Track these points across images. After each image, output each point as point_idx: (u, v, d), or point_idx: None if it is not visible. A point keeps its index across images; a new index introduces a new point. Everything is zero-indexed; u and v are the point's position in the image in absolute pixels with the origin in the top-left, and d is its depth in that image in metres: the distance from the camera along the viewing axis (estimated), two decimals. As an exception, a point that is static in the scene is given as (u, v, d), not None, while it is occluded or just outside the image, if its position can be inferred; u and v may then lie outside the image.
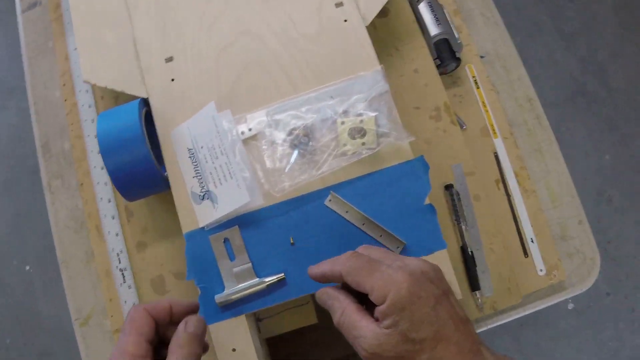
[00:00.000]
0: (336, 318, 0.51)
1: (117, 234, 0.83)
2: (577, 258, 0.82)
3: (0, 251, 2.10)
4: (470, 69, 0.86)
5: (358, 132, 0.65)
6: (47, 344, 2.00)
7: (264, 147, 0.67)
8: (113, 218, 0.84)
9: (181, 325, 0.53)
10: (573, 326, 1.86)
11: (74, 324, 0.84)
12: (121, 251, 0.82)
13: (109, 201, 0.85)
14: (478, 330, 0.78)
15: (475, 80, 0.86)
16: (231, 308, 0.64)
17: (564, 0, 2.15)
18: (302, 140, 0.66)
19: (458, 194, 0.77)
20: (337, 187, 0.66)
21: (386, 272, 0.49)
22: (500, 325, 0.79)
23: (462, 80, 0.86)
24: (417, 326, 0.47)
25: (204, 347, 0.56)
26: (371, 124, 0.65)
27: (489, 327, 0.79)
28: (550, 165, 0.85)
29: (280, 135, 0.67)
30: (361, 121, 0.65)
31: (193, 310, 0.56)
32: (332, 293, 0.53)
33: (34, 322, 2.02)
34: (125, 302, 0.80)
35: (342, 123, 0.66)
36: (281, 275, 0.64)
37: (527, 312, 0.81)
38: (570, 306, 1.86)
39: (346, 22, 0.72)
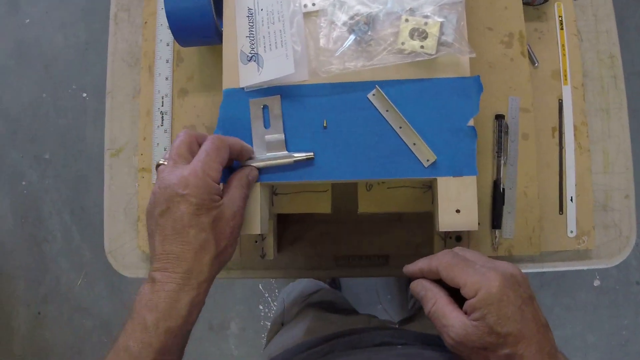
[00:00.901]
0: (428, 307, 0.55)
1: (166, 78, 0.84)
2: (612, 231, 0.80)
3: (64, 74, 2.18)
4: (559, 7, 0.81)
5: (420, 33, 0.63)
6: (84, 168, 2.11)
7: (322, 24, 0.65)
8: (167, 62, 0.85)
9: (246, 170, 0.62)
10: (592, 303, 1.83)
11: (105, 153, 0.86)
12: (166, 95, 0.83)
13: (167, 45, 0.85)
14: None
15: (561, 20, 0.81)
16: None
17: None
18: (362, 27, 0.64)
19: (507, 127, 0.74)
20: (384, 84, 0.64)
21: (479, 270, 0.52)
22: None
23: (547, 16, 0.82)
24: (503, 321, 0.50)
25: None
26: (435, 29, 0.62)
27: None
28: (614, 129, 0.81)
29: (341, 17, 0.65)
30: (425, 23, 0.63)
31: (250, 156, 0.64)
32: (427, 285, 0.57)
33: (78, 146, 2.13)
34: (158, 144, 0.82)
35: (406, 20, 0.63)
36: (310, 154, 0.64)
37: (543, 269, 0.80)
38: (597, 283, 1.83)
39: None
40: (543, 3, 0.80)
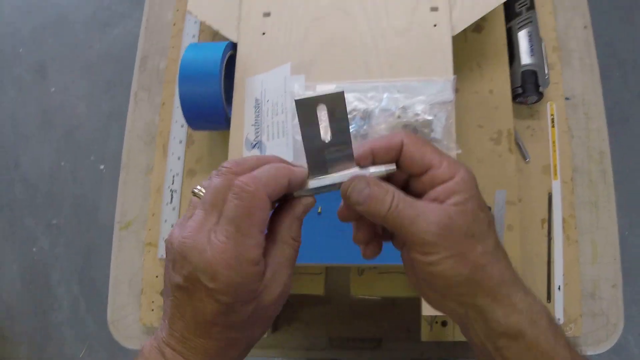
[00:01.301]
0: (385, 204, 0.43)
1: (179, 158, 0.89)
2: (600, 320, 0.81)
3: (83, 144, 2.25)
4: (552, 106, 0.86)
5: (411, 130, 0.68)
6: (97, 239, 2.14)
7: (322, 117, 0.71)
8: (180, 142, 0.90)
9: (298, 208, 0.46)
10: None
11: (115, 226, 0.91)
12: (177, 174, 0.89)
13: (182, 126, 0.91)
14: None
15: (552, 119, 0.86)
16: None
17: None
18: (359, 122, 0.69)
19: (494, 219, 0.77)
20: (377, 175, 0.68)
21: (448, 158, 0.45)
22: None
23: (539, 114, 0.86)
24: (485, 209, 0.44)
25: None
26: (425, 126, 0.68)
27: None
28: (602, 222, 0.83)
29: (340, 112, 0.70)
30: (416, 120, 0.68)
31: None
32: (373, 180, 0.44)
33: (91, 217, 2.16)
34: (166, 221, 0.87)
35: (399, 117, 0.68)
36: (392, 167, 0.46)
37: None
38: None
39: (435, 27, 0.74)
40: (536, 102, 0.85)
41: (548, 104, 0.86)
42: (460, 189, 0.43)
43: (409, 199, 0.43)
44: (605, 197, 0.84)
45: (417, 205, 0.43)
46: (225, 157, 0.73)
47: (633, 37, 2.07)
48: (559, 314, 0.79)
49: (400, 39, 0.74)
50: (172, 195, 0.88)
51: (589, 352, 0.80)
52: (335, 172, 0.46)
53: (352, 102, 0.70)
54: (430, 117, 0.68)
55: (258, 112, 0.73)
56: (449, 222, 0.42)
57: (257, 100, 0.73)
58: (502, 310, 0.44)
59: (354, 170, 0.46)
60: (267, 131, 0.71)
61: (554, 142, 0.85)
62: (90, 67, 2.36)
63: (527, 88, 0.82)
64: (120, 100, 2.20)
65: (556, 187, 0.83)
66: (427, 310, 0.65)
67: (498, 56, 0.83)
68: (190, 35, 0.96)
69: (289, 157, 0.68)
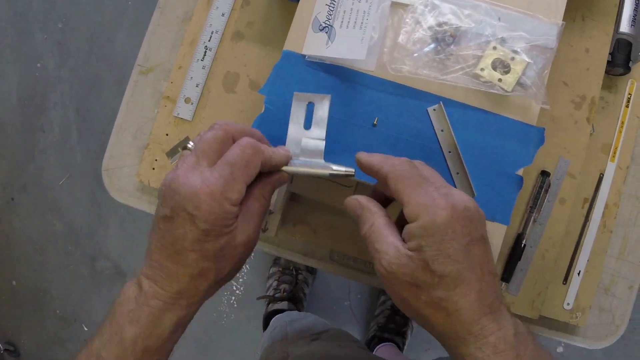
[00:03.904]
0: (364, 229, 0.49)
1: (223, 14, 0.80)
2: (606, 316, 0.78)
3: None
4: (632, 85, 0.78)
5: (503, 66, 0.59)
6: (104, 72, 2.00)
7: (407, 20, 0.62)
8: (228, -2, 0.80)
9: (275, 177, 0.53)
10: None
11: (134, 68, 0.82)
12: (217, 32, 0.79)
13: (235, -21, 0.81)
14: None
15: (629, 98, 0.78)
16: None
17: None
18: (447, 39, 0.61)
19: (549, 186, 0.71)
20: (449, 103, 0.61)
21: (430, 192, 0.45)
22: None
23: (617, 88, 0.79)
24: (442, 259, 0.43)
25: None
26: (520, 67, 0.59)
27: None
28: (641, 220, 0.79)
29: (429, 20, 0.61)
30: (512, 58, 0.59)
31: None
32: (365, 203, 0.50)
33: (105, 48, 2.00)
34: (192, 78, 0.78)
35: (494, 48, 0.60)
36: (351, 170, 0.54)
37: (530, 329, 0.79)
38: (560, 349, 1.82)
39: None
40: (619, 75, 0.77)
41: (629, 81, 0.79)
42: (419, 234, 0.44)
43: (382, 233, 0.47)
44: (652, 196, 0.79)
45: (383, 242, 0.47)
46: (283, 29, 0.64)
47: None
48: (570, 298, 0.76)
49: (519, -42, 0.64)
50: (205, 52, 0.79)
51: (583, 344, 0.79)
52: (307, 158, 0.55)
53: (447, 13, 0.61)
54: (528, 60, 0.59)
55: (337, -9, 0.63)
56: (395, 268, 0.45)
57: (338, -23, 0.63)
58: (453, 356, 0.47)
59: (319, 161, 0.55)
60: (342, 17, 0.62)
61: (623, 122, 0.78)
62: None
63: (617, 58, 0.75)
64: None
65: (610, 169, 0.77)
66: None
67: (606, 16, 0.75)
68: None
69: (360, 53, 0.60)
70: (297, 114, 0.57)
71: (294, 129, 0.57)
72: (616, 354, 1.83)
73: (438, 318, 0.45)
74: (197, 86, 0.78)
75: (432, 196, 0.45)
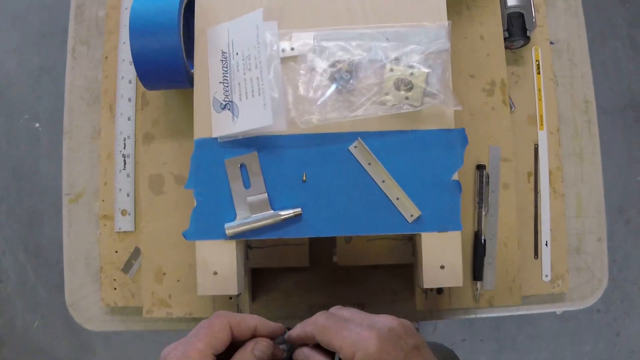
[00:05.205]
0: None
1: (129, 118, 0.79)
2: (585, 274, 0.79)
3: (15, 102, 2.06)
4: (537, 51, 0.80)
5: (405, 84, 0.60)
6: (39, 204, 1.98)
7: (301, 71, 0.62)
8: (129, 100, 0.80)
9: (250, 345, 0.51)
10: (555, 331, 1.84)
11: (63, 199, 0.81)
12: (129, 137, 0.79)
13: (130, 82, 0.81)
14: (466, 317, 0.77)
15: (538, 65, 0.80)
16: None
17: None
18: (344, 76, 0.61)
19: (488, 177, 0.72)
20: (366, 136, 0.61)
21: (354, 330, 0.48)
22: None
23: (524, 60, 0.81)
24: None
25: None
26: (421, 79, 0.60)
27: (478, 315, 0.77)
28: (587, 174, 0.80)
29: (322, 64, 0.62)
30: (411, 74, 0.60)
31: (277, 334, 0.55)
32: (309, 353, 0.52)
33: (31, 180, 2.00)
34: (120, 189, 0.78)
35: (391, 70, 0.61)
36: (298, 210, 0.61)
37: (519, 313, 0.80)
38: (558, 311, 1.84)
39: (425, -36, 0.65)
40: (521, 47, 0.79)
41: (533, 49, 0.81)
42: None
43: None
44: (590, 149, 0.81)
45: None
46: (187, 118, 0.65)
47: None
48: (546, 270, 0.77)
49: (385, -22, 0.65)
50: (124, 160, 0.78)
51: (574, 307, 0.80)
52: (256, 213, 0.61)
53: (336, 52, 0.62)
54: (426, 70, 0.60)
55: (226, 66, 0.63)
56: None
57: (223, 53, 0.64)
58: None
59: (270, 212, 0.61)
60: (239, 89, 0.62)
61: (539, 89, 0.80)
62: (18, 18, 2.16)
63: (514, 31, 0.77)
64: (53, 53, 2.04)
65: (542, 137, 0.79)
66: (428, 282, 0.60)
67: (489, -4, 0.76)
68: (132, -23, 0.84)
69: (267, 119, 0.60)
70: (234, 178, 0.62)
71: (237, 191, 0.62)
72: (611, 295, 1.86)
73: None
74: (128, 196, 0.78)
75: (357, 332, 0.47)
